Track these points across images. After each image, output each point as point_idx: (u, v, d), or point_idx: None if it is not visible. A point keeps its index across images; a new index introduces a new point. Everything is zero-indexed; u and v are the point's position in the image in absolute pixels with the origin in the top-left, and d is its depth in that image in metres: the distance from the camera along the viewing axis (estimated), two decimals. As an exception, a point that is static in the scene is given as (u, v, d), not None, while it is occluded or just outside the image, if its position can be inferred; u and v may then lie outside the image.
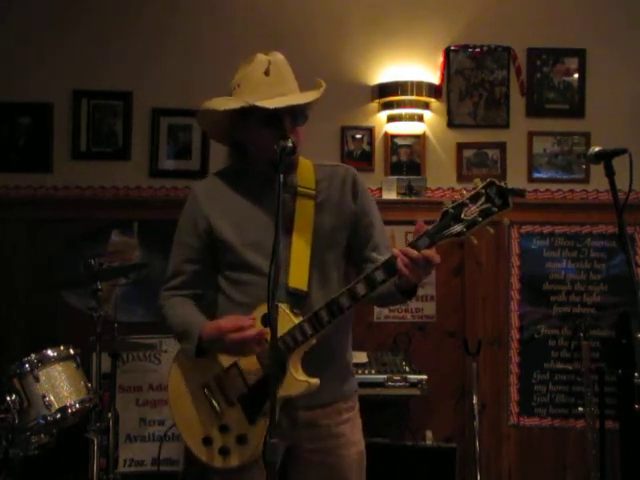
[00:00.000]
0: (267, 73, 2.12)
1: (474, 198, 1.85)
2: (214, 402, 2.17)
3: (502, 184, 1.84)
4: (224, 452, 2.14)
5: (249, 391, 2.13)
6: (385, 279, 1.97)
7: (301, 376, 2.05)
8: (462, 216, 1.86)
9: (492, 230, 1.87)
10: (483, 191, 1.84)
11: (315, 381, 2.05)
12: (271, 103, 2.06)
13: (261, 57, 2.15)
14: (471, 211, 1.85)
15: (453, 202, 1.87)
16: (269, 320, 1.85)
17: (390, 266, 1.95)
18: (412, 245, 1.92)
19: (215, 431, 2.16)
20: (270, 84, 2.12)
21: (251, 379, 2.12)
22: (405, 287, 2.00)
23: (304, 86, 2.19)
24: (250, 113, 2.10)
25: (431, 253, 1.90)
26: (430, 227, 1.90)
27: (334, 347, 2.18)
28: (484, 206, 1.84)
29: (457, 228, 1.87)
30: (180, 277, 2.26)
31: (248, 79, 2.14)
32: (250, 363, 2.12)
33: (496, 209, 1.83)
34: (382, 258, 2.06)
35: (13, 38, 4.12)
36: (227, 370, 2.15)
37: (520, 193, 1.86)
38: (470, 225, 1.85)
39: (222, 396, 2.16)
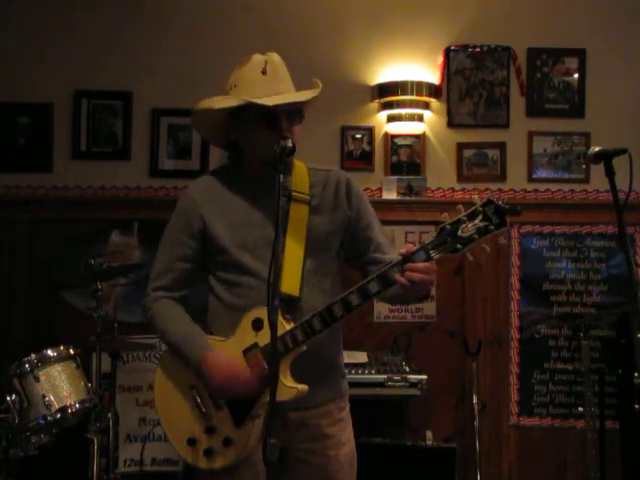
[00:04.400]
0: (264, 72, 2.12)
1: (471, 215, 1.86)
2: (201, 403, 2.15)
3: (500, 203, 1.84)
4: (209, 453, 2.13)
5: None
6: (379, 290, 1.98)
7: (290, 382, 2.04)
8: (459, 233, 1.87)
9: (488, 248, 1.88)
10: (481, 209, 1.85)
11: (304, 387, 2.04)
12: (268, 101, 2.06)
13: (258, 57, 2.16)
14: (468, 228, 1.86)
15: (451, 218, 1.88)
16: (269, 321, 1.84)
17: (385, 278, 1.96)
18: (409, 259, 1.92)
19: (201, 432, 2.15)
20: (267, 83, 2.11)
21: None
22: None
23: (303, 86, 2.18)
24: (246, 112, 2.10)
25: (425, 265, 1.90)
26: (427, 242, 1.91)
27: (324, 350, 2.17)
28: (481, 224, 1.85)
29: (453, 245, 1.87)
30: (170, 275, 2.22)
31: (245, 79, 2.14)
32: None
33: (493, 227, 1.84)
34: (387, 257, 2.07)
35: (13, 38, 4.12)
36: None
37: (517, 212, 1.86)
38: (466, 242, 1.86)
39: (210, 397, 2.15)
